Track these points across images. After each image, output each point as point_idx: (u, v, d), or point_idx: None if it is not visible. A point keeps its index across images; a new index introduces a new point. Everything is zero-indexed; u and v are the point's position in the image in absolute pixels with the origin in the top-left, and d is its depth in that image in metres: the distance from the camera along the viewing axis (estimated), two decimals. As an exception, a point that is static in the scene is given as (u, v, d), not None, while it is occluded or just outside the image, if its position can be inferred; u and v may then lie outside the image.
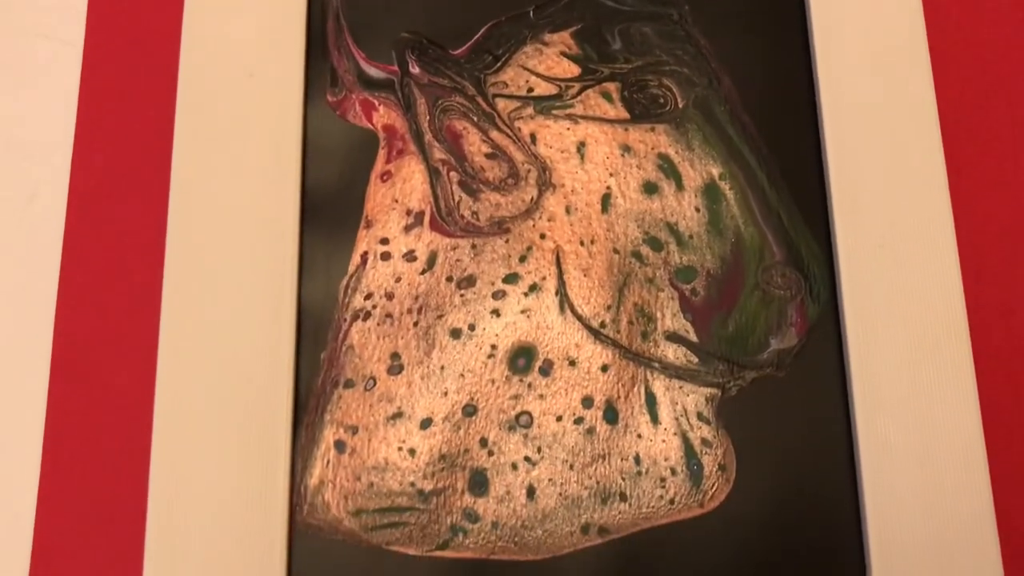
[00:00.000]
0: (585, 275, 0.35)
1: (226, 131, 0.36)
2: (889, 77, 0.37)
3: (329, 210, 0.36)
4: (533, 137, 0.37)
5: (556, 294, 0.35)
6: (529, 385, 0.34)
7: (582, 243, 0.36)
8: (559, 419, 0.34)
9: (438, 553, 0.33)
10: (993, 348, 0.37)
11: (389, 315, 0.35)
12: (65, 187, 0.37)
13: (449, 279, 0.35)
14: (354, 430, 0.34)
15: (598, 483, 0.34)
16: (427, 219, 0.36)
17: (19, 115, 0.38)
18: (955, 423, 0.34)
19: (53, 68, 0.39)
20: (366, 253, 0.35)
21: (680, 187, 0.37)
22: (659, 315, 0.35)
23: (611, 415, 0.34)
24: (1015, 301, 0.38)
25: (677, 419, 0.34)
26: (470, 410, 0.34)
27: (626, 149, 0.37)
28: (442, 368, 0.34)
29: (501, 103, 0.37)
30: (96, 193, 0.37)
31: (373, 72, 0.37)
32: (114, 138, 0.38)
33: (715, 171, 0.37)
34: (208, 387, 0.33)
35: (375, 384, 0.34)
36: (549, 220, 0.36)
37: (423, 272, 0.35)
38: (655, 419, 0.34)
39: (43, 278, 0.36)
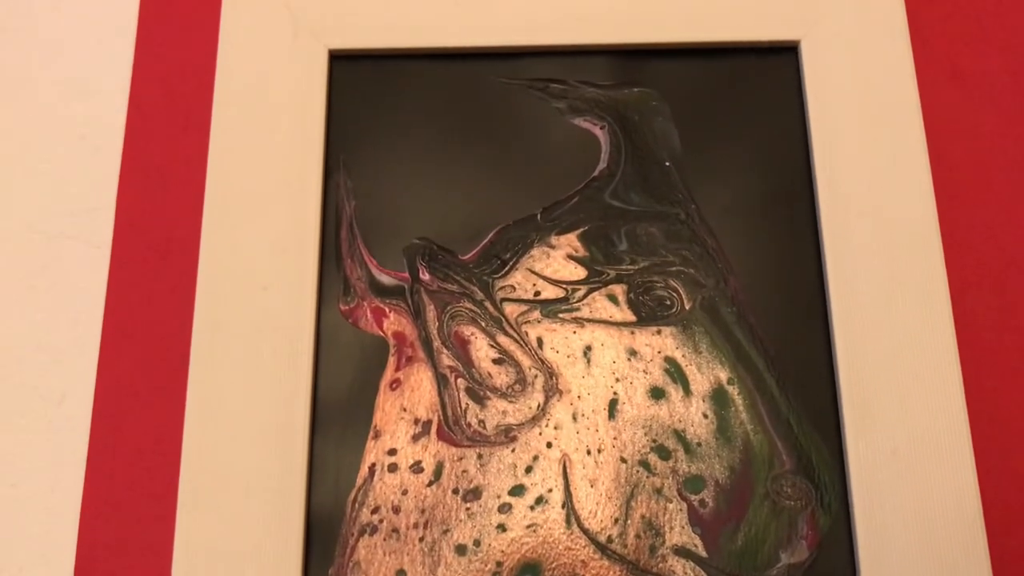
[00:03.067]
0: (592, 486, 0.35)
1: (241, 340, 0.37)
2: (900, 275, 0.37)
3: (339, 419, 0.36)
4: (540, 341, 0.37)
5: (563, 507, 0.35)
6: (535, 603, 0.34)
7: (589, 452, 0.36)
8: (565, 639, 0.34)
9: None
10: (1012, 557, 0.36)
11: (395, 530, 0.35)
12: (91, 389, 0.39)
13: (455, 491, 0.35)
14: (360, 650, 0.34)
15: None
16: (434, 428, 0.36)
17: (49, 319, 0.40)
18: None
19: (81, 271, 0.40)
20: (374, 465, 0.36)
21: (687, 392, 0.37)
22: (667, 528, 0.35)
23: (618, 635, 0.34)
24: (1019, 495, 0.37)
25: (685, 640, 0.34)
26: (475, 630, 0.34)
27: (632, 353, 0.37)
28: (447, 586, 0.34)
29: (508, 307, 0.38)
30: (119, 395, 0.39)
31: (385, 279, 0.38)
32: (138, 343, 0.39)
33: (723, 375, 0.37)
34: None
35: (381, 601, 0.34)
36: (555, 428, 0.36)
37: (429, 484, 0.36)
38: (663, 639, 0.34)
39: (69, 479, 0.37)
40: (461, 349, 0.37)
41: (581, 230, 0.39)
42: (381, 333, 0.38)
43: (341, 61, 0.41)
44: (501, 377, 0.37)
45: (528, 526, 0.35)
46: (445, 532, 0.35)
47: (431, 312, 0.38)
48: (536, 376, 0.37)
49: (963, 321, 0.38)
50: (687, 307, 0.38)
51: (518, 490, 0.35)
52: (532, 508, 0.35)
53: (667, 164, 0.40)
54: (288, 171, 0.39)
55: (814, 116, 0.39)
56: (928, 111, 0.40)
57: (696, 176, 0.39)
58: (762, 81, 0.40)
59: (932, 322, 0.36)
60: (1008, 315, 0.39)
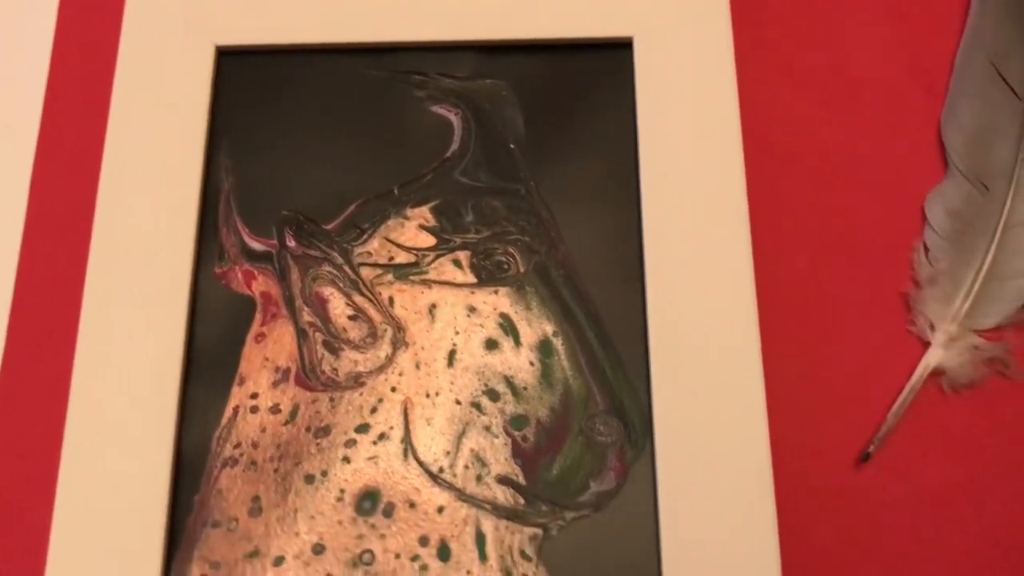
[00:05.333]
0: (429, 424, 0.40)
1: (127, 300, 0.41)
2: (708, 248, 0.42)
3: (209, 368, 0.41)
4: (391, 300, 0.42)
5: (401, 442, 0.40)
6: (373, 526, 0.39)
7: (427, 395, 0.41)
8: (397, 556, 0.38)
9: None
10: (795, 494, 0.41)
11: (254, 462, 0.40)
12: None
13: (308, 429, 0.40)
14: (217, 566, 0.38)
15: (429, 615, 0.38)
16: (292, 375, 0.41)
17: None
18: (753, 566, 0.37)
19: (-7, 243, 0.45)
20: (238, 407, 0.41)
21: (518, 343, 0.41)
22: (493, 460, 0.40)
23: (444, 553, 0.38)
24: (815, 444, 0.42)
25: (502, 556, 0.38)
26: (319, 549, 0.39)
27: (471, 310, 0.42)
28: (296, 511, 0.39)
29: (365, 271, 0.43)
30: (19, 349, 0.43)
31: (255, 246, 0.43)
32: (38, 302, 0.44)
33: (549, 329, 0.41)
34: (94, 521, 0.38)
35: (237, 525, 0.39)
36: (400, 375, 0.41)
37: (285, 423, 0.40)
38: (483, 556, 0.38)
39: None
40: (320, 307, 0.42)
41: (433, 203, 0.44)
42: (250, 293, 0.42)
43: (228, 56, 0.46)
44: (355, 331, 0.42)
45: (369, 458, 0.40)
46: (297, 464, 0.40)
47: (295, 275, 0.43)
48: (386, 330, 0.42)
49: (763, 287, 0.43)
50: (522, 270, 0.42)
51: (363, 428, 0.40)
52: (374, 443, 0.40)
53: (512, 147, 0.45)
54: (174, 153, 0.44)
55: (642, 106, 0.44)
56: (747, 102, 0.45)
57: (537, 158, 0.44)
58: (600, 74, 0.46)
59: (733, 287, 0.41)
60: (807, 287, 0.44)
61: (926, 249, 0.45)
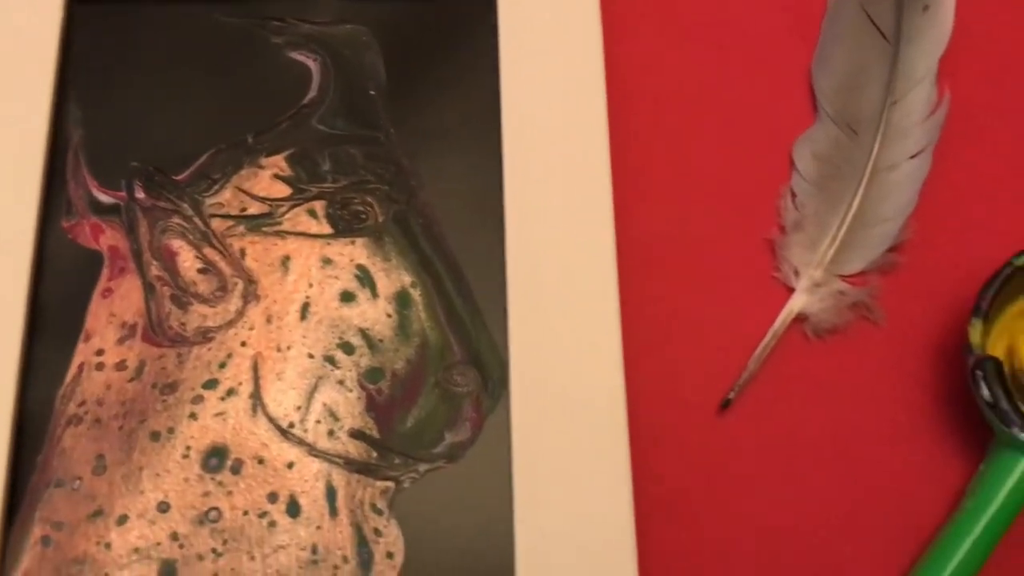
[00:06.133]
0: (279, 379, 0.39)
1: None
2: (568, 195, 0.41)
3: (54, 325, 0.40)
4: (243, 252, 0.41)
5: (250, 397, 0.39)
6: (220, 483, 0.38)
7: (279, 349, 0.39)
8: (245, 513, 0.37)
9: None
10: (657, 442, 0.40)
11: (98, 420, 0.38)
12: None
13: (154, 386, 0.39)
14: (59, 526, 0.37)
15: (278, 572, 0.37)
16: (139, 331, 0.40)
17: None
18: (607, 516, 0.37)
19: None
20: (83, 364, 0.39)
21: (375, 295, 0.40)
22: (346, 414, 0.39)
23: (294, 509, 0.38)
24: (678, 392, 0.41)
25: (353, 511, 0.38)
26: (164, 507, 0.37)
27: (327, 261, 0.41)
28: (140, 469, 0.38)
29: (216, 222, 0.41)
30: None
31: (103, 198, 0.42)
32: None
33: (407, 279, 0.41)
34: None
35: (81, 484, 0.38)
36: (250, 329, 0.40)
37: (131, 380, 0.39)
38: (333, 511, 0.38)
39: None
40: (169, 260, 0.41)
41: (288, 152, 0.42)
42: (97, 247, 0.41)
43: (79, 4, 0.44)
44: (204, 285, 0.40)
45: (217, 414, 0.39)
46: (142, 422, 0.38)
47: (143, 227, 0.41)
48: (236, 283, 0.40)
49: (626, 234, 0.42)
50: (380, 220, 0.41)
51: (211, 384, 0.39)
52: (222, 399, 0.39)
53: (372, 93, 0.43)
54: (20, 104, 0.42)
55: (504, 51, 0.43)
56: (612, 46, 0.44)
57: (398, 104, 0.43)
58: (462, 19, 0.45)
59: (594, 233, 0.41)
60: (671, 233, 0.44)
61: (793, 195, 0.44)
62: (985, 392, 0.39)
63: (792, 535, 0.40)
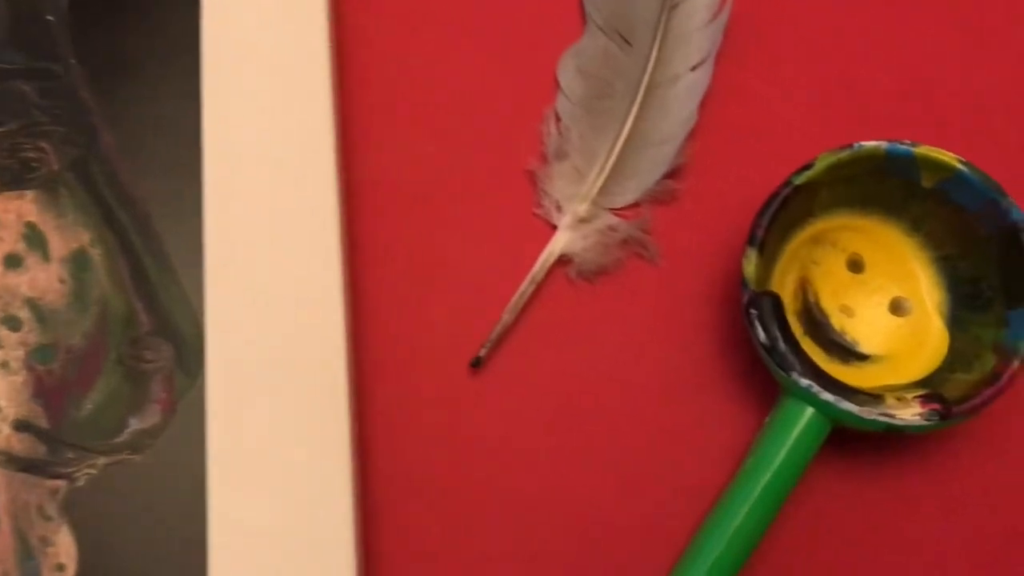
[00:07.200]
0: (-73, 365, 0.32)
1: None
2: (284, 136, 0.35)
3: None
4: None
5: None
6: None
7: (-72, 329, 0.33)
8: None
9: None
10: (406, 409, 0.35)
11: None
12: None
13: None
14: None
15: (-78, 597, 0.31)
16: None
17: None
18: (322, 511, 0.31)
19: None
20: None
21: (47, 258, 0.34)
22: (8, 403, 0.32)
23: (-58, 519, 0.31)
24: (428, 351, 0.35)
25: (16, 517, 0.31)
26: None
27: (-11, 221, 0.34)
28: None
29: None
30: None
31: None
32: None
33: (86, 238, 0.34)
34: None
35: None
36: None
37: None
38: (-9, 520, 0.31)
39: None
40: None
41: (-56, 93, 0.35)
42: None
43: None
44: None
45: None
46: None
47: None
48: None
49: (360, 172, 0.36)
50: (55, 168, 0.35)
51: None
52: None
53: (49, 19, 0.36)
54: None
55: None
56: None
57: (81, 31, 0.36)
58: (160, -75, 0.37)
59: (312, 178, 0.34)
60: (418, 169, 0.38)
61: (557, 118, 0.39)
62: (761, 333, 0.33)
63: (559, 506, 0.34)
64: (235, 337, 0.33)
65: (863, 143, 0.35)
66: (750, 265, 0.34)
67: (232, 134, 0.35)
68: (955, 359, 0.35)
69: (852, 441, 0.36)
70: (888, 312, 0.36)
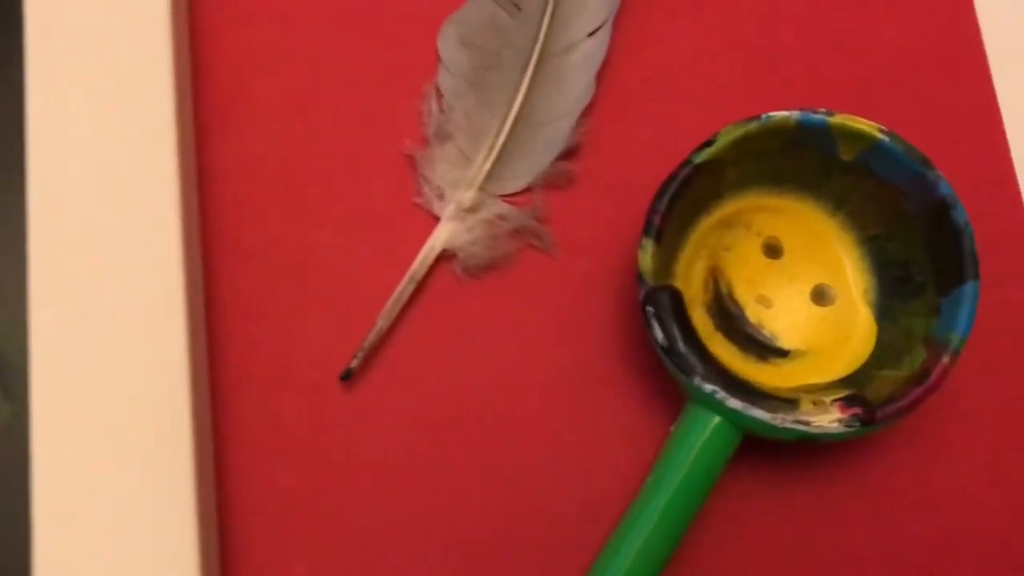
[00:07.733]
0: None
1: None
2: (123, 125, 0.31)
3: None
4: None
5: None
6: None
7: None
8: None
9: None
10: (271, 428, 0.31)
11: None
12: None
13: None
14: None
15: None
16: None
17: None
18: (166, 547, 0.28)
19: None
20: None
21: None
22: None
23: None
24: (294, 363, 0.32)
25: None
26: None
27: None
28: None
29: None
30: None
31: None
32: None
33: None
34: None
35: None
36: None
37: None
38: None
39: None
40: None
41: None
42: None
43: None
44: None
45: None
46: None
47: None
48: None
49: (213, 161, 0.32)
50: None
51: None
52: None
53: None
54: None
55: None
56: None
57: None
58: None
59: (153, 170, 0.30)
60: (282, 159, 0.34)
61: (438, 95, 0.35)
62: (658, 333, 0.30)
63: (447, 529, 0.31)
64: (64, 358, 0.29)
65: (771, 114, 0.31)
66: (646, 257, 0.30)
67: (57, 124, 0.31)
68: (883, 354, 0.31)
69: (770, 445, 0.32)
70: (810, 301, 0.33)
